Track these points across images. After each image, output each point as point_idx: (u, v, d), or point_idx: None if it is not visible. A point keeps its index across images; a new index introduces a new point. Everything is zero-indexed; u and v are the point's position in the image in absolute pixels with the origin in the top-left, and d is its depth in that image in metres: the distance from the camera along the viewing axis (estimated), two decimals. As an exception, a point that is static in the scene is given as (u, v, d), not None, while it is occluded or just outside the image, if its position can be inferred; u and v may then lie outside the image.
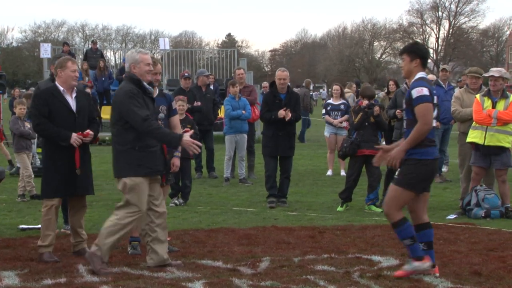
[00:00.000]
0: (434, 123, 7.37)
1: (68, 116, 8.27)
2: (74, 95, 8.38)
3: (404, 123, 7.46)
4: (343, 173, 16.56)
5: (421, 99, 7.20)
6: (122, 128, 7.68)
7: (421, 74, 7.40)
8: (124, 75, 8.03)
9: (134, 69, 7.78)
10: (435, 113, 7.35)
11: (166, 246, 7.96)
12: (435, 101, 7.35)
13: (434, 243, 8.90)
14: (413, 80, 7.42)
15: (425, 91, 7.21)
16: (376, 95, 24.64)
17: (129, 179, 7.62)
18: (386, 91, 17.32)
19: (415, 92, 7.23)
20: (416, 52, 7.47)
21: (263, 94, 21.51)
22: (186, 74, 16.19)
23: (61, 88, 8.31)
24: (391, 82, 16.97)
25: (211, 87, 17.90)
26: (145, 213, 7.76)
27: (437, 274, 7.35)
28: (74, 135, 8.19)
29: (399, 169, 7.34)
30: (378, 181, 11.93)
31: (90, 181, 8.57)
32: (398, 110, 12.20)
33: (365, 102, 12.05)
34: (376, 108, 11.96)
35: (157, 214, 7.87)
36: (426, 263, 7.29)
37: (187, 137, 7.62)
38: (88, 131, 8.36)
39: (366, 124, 11.93)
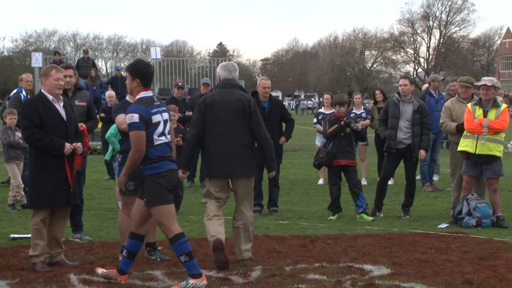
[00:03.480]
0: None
1: (59, 124, 8.20)
2: (61, 104, 8.32)
3: None
4: (321, 181, 16.60)
5: (132, 126, 7.15)
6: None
7: (141, 95, 7.32)
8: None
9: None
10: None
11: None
12: (159, 119, 7.27)
13: (425, 252, 8.92)
14: (133, 103, 7.41)
15: (135, 117, 7.11)
16: (367, 104, 24.65)
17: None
18: (373, 101, 17.25)
19: (127, 119, 7.20)
20: (135, 72, 7.41)
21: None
22: (180, 84, 16.24)
23: (50, 97, 8.21)
24: (377, 92, 16.82)
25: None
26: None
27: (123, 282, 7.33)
28: (67, 144, 8.13)
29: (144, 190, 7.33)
30: (359, 187, 11.99)
31: (81, 190, 8.56)
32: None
33: (343, 115, 12.13)
34: (359, 125, 12.25)
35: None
36: (202, 281, 7.22)
37: None
38: (74, 144, 8.31)
39: (342, 134, 12.05)
